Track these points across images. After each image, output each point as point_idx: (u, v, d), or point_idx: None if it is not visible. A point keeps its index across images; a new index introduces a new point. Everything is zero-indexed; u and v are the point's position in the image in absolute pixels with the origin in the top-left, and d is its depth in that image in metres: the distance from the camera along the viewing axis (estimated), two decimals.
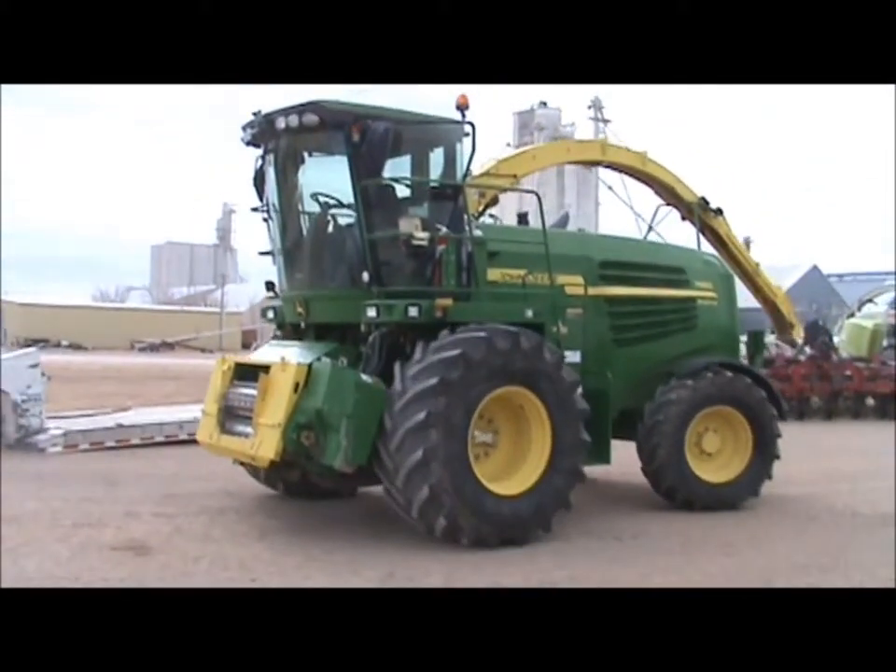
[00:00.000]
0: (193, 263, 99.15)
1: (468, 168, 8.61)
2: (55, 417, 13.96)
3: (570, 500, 8.25)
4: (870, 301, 28.54)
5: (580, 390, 8.28)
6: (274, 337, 9.52)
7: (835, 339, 25.31)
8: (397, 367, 7.72)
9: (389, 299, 8.12)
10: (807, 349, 22.97)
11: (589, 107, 47.29)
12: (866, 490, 11.22)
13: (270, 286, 9.24)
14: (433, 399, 7.42)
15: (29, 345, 30.47)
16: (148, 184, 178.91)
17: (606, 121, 47.56)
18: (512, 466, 8.15)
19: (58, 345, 57.28)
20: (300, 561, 7.28)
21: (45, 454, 12.66)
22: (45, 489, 10.01)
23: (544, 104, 58.33)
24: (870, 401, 22.58)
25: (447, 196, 8.61)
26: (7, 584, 6.28)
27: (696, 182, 13.63)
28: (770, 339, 25.70)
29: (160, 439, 13.59)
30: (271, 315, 9.34)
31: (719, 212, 14.04)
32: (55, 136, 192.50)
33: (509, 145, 57.04)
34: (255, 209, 9.08)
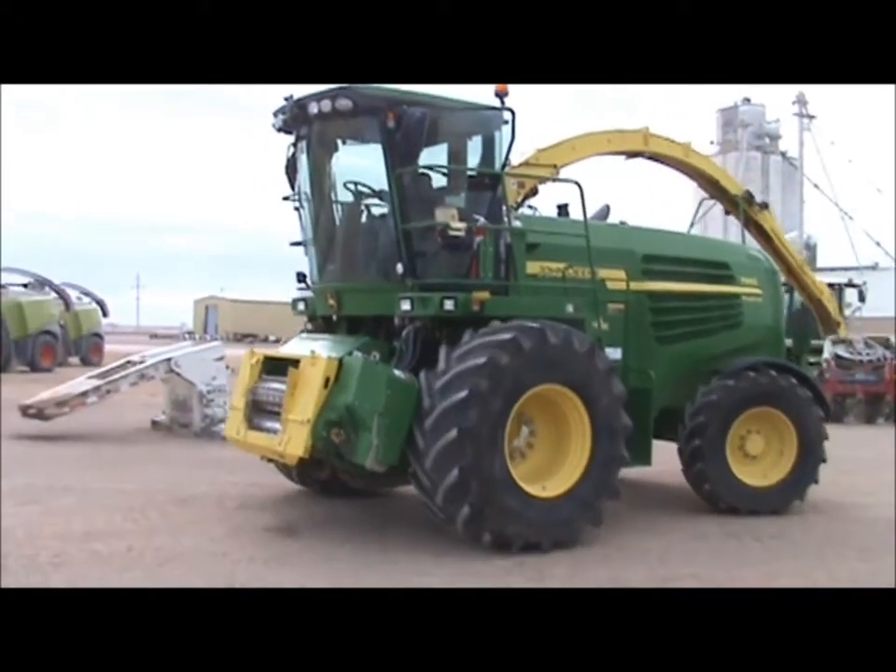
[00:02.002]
0: None
1: (507, 157, 8.29)
2: None
3: (618, 487, 7.95)
4: None
5: (616, 378, 7.95)
6: (304, 330, 9.27)
7: None
8: (442, 350, 7.46)
9: (424, 291, 7.84)
10: None
11: (794, 103, 45.82)
12: None
13: (301, 277, 9.05)
14: (477, 378, 7.14)
15: (238, 340, 31.28)
16: None
17: (811, 117, 46.00)
18: (554, 463, 7.84)
19: (265, 340, 58.73)
20: (437, 550, 7.33)
21: (227, 442, 12.93)
22: (220, 475, 10.52)
23: (748, 100, 57.85)
24: None
25: (485, 186, 8.30)
26: (164, 555, 6.98)
27: None
28: None
29: None
30: (301, 307, 9.08)
31: (764, 206, 13.41)
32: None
33: (712, 143, 56.49)
34: (286, 198, 8.85)
